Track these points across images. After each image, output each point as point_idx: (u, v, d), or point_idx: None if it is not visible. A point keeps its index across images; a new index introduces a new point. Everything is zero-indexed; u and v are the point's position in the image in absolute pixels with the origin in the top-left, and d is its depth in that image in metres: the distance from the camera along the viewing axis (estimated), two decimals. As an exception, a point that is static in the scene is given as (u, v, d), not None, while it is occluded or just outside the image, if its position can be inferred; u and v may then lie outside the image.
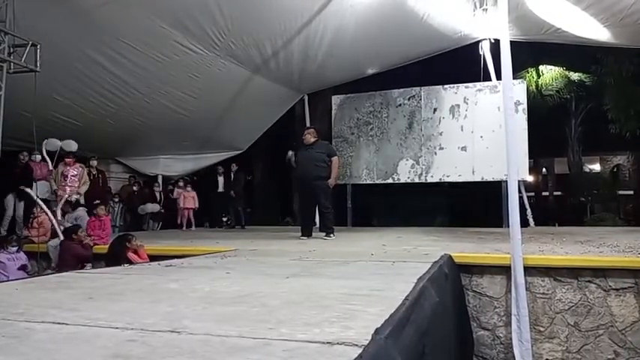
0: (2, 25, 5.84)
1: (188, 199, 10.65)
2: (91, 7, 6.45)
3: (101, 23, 6.81)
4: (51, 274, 5.18)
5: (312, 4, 7.41)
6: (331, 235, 6.72)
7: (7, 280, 4.36)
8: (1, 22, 5.86)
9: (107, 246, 5.88)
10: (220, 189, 11.04)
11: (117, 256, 5.16)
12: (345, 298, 2.32)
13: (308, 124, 10.06)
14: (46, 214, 6.95)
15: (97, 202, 7.49)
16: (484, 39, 9.50)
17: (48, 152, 7.68)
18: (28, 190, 7.28)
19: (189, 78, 8.60)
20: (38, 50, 6.16)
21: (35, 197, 6.96)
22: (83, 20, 6.61)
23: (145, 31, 7.18)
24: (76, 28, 6.71)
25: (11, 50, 6.00)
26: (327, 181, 6.76)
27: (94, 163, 9.20)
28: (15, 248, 5.95)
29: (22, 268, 5.91)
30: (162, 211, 10.84)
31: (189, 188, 10.81)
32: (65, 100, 8.15)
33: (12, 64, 6.00)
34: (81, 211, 7.48)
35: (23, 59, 6.04)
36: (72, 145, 7.76)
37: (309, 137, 6.92)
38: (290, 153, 7.12)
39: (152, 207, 10.54)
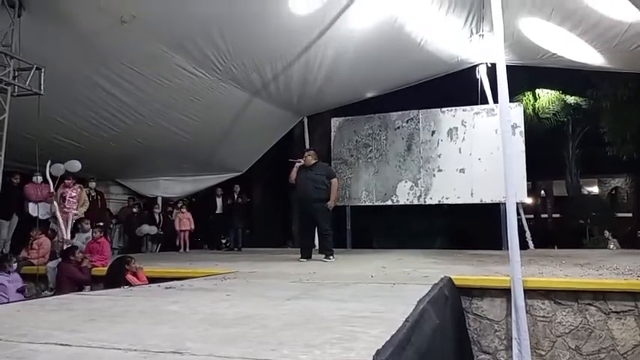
0: (7, 50, 5.96)
1: (183, 221, 10.64)
2: (94, 31, 6.58)
3: (104, 47, 6.93)
4: (50, 296, 5.15)
5: (311, 30, 7.56)
6: (331, 257, 6.71)
7: (8, 302, 4.35)
8: (7, 47, 5.98)
9: (106, 268, 5.87)
10: (219, 210, 11.05)
11: (116, 279, 5.15)
12: (346, 319, 2.32)
13: (307, 147, 10.14)
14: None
15: (101, 224, 7.48)
16: (481, 63, 9.66)
17: (51, 175, 7.68)
18: (34, 213, 7.30)
19: (190, 101, 8.69)
20: (42, 73, 6.26)
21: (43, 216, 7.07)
22: (86, 44, 6.72)
23: (147, 54, 7.30)
24: (79, 51, 6.82)
25: (16, 74, 6.10)
26: (327, 202, 6.79)
27: (93, 184, 9.22)
28: (14, 269, 5.92)
29: (21, 290, 5.88)
30: (161, 233, 10.81)
31: (184, 210, 10.80)
32: (67, 122, 8.22)
33: (16, 87, 6.09)
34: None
35: (28, 82, 6.14)
36: (76, 166, 7.78)
37: (309, 159, 6.97)
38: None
39: (149, 229, 10.51)
